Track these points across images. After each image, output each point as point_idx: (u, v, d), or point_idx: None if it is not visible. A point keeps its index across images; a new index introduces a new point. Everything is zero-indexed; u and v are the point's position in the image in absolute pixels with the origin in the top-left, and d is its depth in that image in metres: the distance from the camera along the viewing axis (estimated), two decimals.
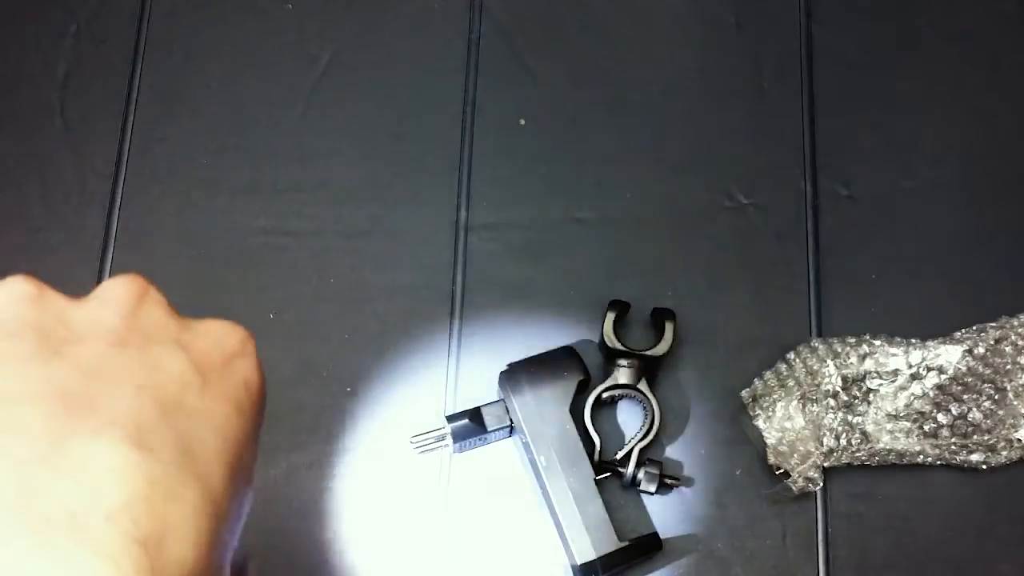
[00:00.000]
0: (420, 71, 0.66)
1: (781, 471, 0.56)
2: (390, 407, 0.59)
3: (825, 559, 0.56)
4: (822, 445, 0.56)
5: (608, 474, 0.56)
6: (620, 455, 0.56)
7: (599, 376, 0.58)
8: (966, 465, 0.57)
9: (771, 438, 0.56)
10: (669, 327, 0.57)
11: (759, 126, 0.65)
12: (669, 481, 0.57)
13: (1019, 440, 0.57)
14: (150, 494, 0.21)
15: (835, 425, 0.56)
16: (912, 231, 0.63)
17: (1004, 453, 0.56)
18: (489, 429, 0.56)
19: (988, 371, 0.57)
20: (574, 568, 0.52)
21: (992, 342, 0.58)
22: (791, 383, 0.57)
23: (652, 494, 0.56)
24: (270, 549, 0.56)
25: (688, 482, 0.57)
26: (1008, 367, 0.57)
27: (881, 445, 0.56)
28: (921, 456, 0.56)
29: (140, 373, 0.23)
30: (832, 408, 0.56)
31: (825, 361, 0.57)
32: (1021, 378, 0.57)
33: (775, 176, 0.64)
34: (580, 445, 0.54)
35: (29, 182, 0.63)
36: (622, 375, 0.57)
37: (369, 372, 0.60)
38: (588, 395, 0.57)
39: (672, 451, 0.58)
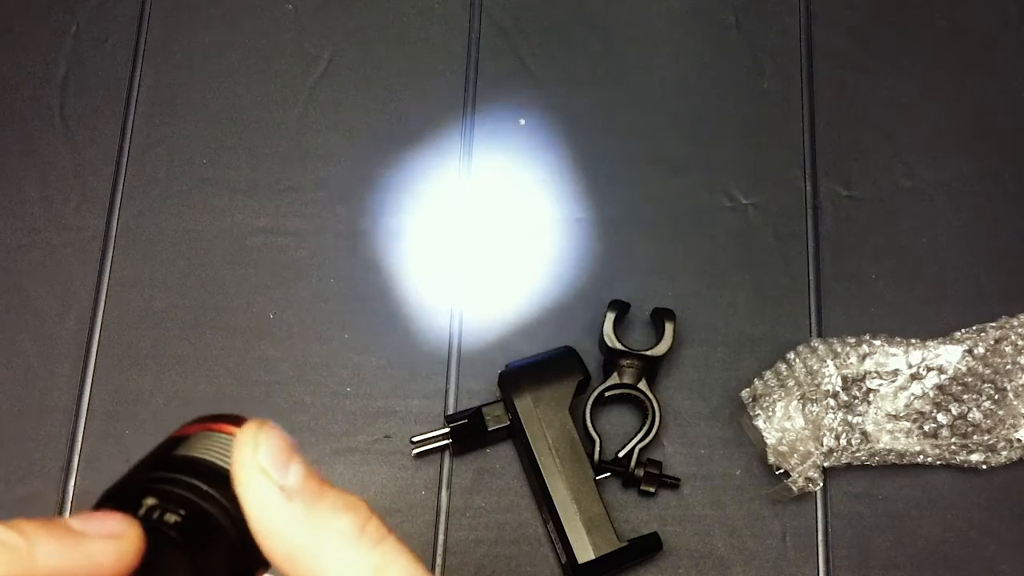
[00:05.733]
0: (420, 71, 0.66)
1: (781, 471, 0.56)
2: (390, 407, 0.59)
3: (825, 559, 0.56)
4: (822, 445, 0.56)
5: (608, 474, 0.56)
6: (620, 455, 0.56)
7: (599, 376, 0.58)
8: (966, 465, 0.57)
9: (771, 438, 0.56)
10: (669, 327, 0.57)
11: (759, 126, 0.65)
12: (669, 481, 0.57)
13: (1019, 440, 0.57)
14: None
15: (835, 425, 0.56)
16: (912, 231, 0.63)
17: (1004, 453, 0.56)
18: (489, 429, 0.56)
19: (988, 371, 0.57)
20: (574, 568, 0.52)
21: (992, 342, 0.58)
22: (791, 383, 0.57)
23: (652, 494, 0.56)
24: None
25: (688, 482, 0.57)
26: (1008, 367, 0.58)
27: (881, 445, 0.56)
28: (921, 456, 0.56)
29: None
30: (832, 408, 0.56)
31: (825, 361, 0.57)
32: (1021, 378, 0.57)
33: (775, 176, 0.64)
34: (580, 445, 0.54)
35: (29, 182, 0.63)
36: (622, 375, 0.57)
37: (369, 372, 0.60)
38: (588, 395, 0.57)
39: (672, 451, 0.58)
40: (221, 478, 0.26)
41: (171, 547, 0.24)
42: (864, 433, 0.56)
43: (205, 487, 0.26)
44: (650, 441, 0.56)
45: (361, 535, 0.25)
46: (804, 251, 0.62)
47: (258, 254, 0.62)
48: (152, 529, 0.24)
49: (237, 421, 0.28)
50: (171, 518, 0.25)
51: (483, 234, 0.62)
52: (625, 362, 0.57)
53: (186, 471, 0.26)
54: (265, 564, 0.27)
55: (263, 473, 0.25)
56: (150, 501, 0.25)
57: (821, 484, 0.55)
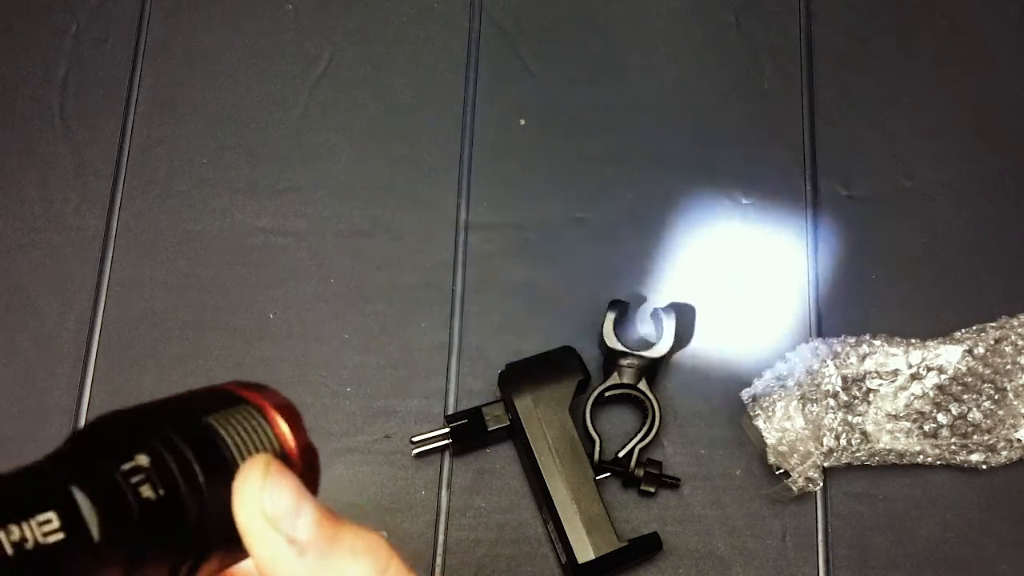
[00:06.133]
0: (420, 71, 0.66)
1: (781, 471, 0.56)
2: (390, 407, 0.59)
3: (825, 559, 0.56)
4: (822, 445, 0.56)
5: (608, 474, 0.56)
6: (620, 455, 0.56)
7: (599, 376, 0.58)
8: (966, 465, 0.57)
9: (771, 438, 0.56)
10: (669, 327, 0.57)
11: (759, 126, 0.65)
12: (669, 481, 0.57)
13: (1019, 440, 0.57)
14: None
15: (835, 425, 0.56)
16: (912, 231, 0.63)
17: (1004, 453, 0.56)
18: (489, 429, 0.56)
19: (988, 371, 0.57)
20: (574, 568, 0.52)
21: (992, 342, 0.58)
22: (791, 383, 0.57)
23: (652, 494, 0.56)
24: None
25: (688, 482, 0.57)
26: (1008, 367, 0.57)
27: (881, 445, 0.56)
28: (921, 456, 0.56)
29: None
30: (832, 408, 0.56)
31: (825, 361, 0.57)
32: (1021, 378, 0.57)
33: (775, 176, 0.64)
34: (580, 445, 0.54)
35: (29, 182, 0.63)
36: (622, 375, 0.57)
37: (369, 372, 0.60)
38: (588, 395, 0.57)
39: (672, 451, 0.58)
40: (227, 473, 0.24)
41: (123, 522, 0.22)
42: (864, 433, 0.56)
43: (202, 478, 0.23)
44: (650, 441, 0.56)
45: None
46: (804, 251, 0.62)
47: (258, 254, 0.62)
48: (119, 491, 0.22)
49: (287, 412, 0.26)
50: (146, 493, 0.22)
51: (483, 234, 0.62)
52: (625, 362, 0.57)
53: (198, 448, 0.23)
54: (235, 559, 0.25)
55: (270, 523, 0.23)
56: (142, 460, 0.22)
57: (821, 484, 0.55)
